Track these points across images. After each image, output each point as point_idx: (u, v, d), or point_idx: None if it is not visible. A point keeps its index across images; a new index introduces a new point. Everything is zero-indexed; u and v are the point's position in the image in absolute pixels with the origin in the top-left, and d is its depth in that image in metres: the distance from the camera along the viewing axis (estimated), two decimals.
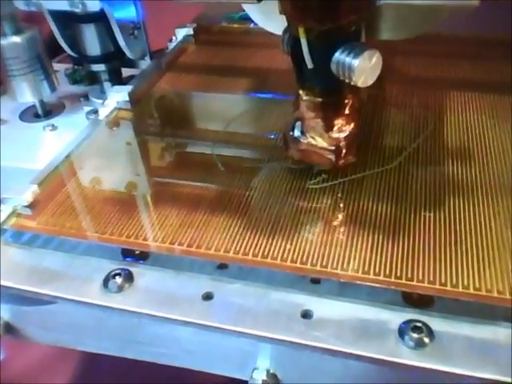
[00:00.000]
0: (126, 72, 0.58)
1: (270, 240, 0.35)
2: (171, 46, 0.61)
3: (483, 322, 0.30)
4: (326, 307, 0.32)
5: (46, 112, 0.54)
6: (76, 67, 0.60)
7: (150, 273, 0.35)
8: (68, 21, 0.53)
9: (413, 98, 0.50)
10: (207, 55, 0.61)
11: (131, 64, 0.59)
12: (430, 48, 0.55)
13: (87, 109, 0.52)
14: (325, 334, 0.30)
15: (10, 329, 0.39)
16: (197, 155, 0.46)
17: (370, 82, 0.34)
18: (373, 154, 0.42)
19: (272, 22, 0.43)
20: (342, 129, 0.38)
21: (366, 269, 0.32)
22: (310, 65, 0.35)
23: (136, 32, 0.54)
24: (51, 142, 0.50)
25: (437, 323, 0.30)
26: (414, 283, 0.31)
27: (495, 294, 0.30)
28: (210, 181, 0.41)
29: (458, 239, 0.34)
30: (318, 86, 0.37)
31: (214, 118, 0.51)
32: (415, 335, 0.29)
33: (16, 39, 0.49)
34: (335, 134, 0.38)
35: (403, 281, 0.31)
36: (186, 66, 0.59)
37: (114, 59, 0.55)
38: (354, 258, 0.33)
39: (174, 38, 0.62)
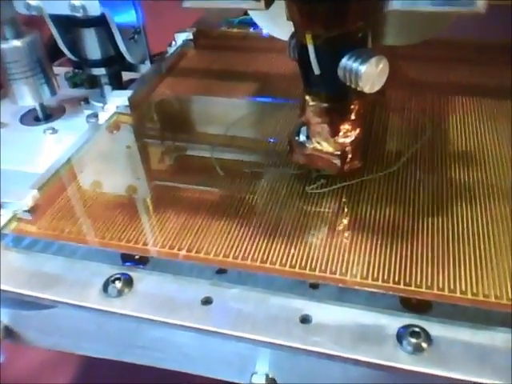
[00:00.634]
0: (126, 76, 0.59)
1: (269, 245, 0.35)
2: (171, 50, 0.61)
3: (481, 327, 0.30)
4: (324, 312, 0.32)
5: (46, 115, 0.54)
6: (76, 71, 0.60)
7: (149, 277, 0.35)
8: (69, 25, 0.53)
9: (413, 102, 0.50)
10: (207, 60, 0.61)
11: (131, 68, 0.59)
12: (429, 52, 0.55)
13: (87, 112, 0.52)
14: (323, 338, 0.30)
15: (9, 333, 0.39)
16: (196, 159, 0.47)
17: (377, 87, 0.34)
18: (371, 159, 0.42)
19: (278, 27, 0.43)
20: (348, 134, 0.38)
21: (365, 274, 0.32)
22: (316, 71, 0.36)
23: (136, 36, 0.54)
24: (51, 146, 0.51)
25: (435, 328, 0.30)
26: (412, 288, 0.31)
27: (493, 299, 0.30)
28: (209, 185, 0.42)
29: (456, 244, 0.34)
30: (324, 92, 0.37)
31: (214, 122, 0.51)
32: (413, 340, 0.30)
33: (17, 43, 0.49)
34: (341, 139, 0.38)
35: (401, 286, 0.32)
36: (185, 70, 0.59)
37: (115, 63, 0.55)
38: (353, 263, 0.33)
39: (173, 42, 0.62)
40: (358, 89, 0.34)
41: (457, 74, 0.54)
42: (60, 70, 0.61)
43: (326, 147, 0.38)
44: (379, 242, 0.35)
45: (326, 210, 0.38)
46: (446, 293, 0.31)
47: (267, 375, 0.33)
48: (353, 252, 0.34)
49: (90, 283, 0.35)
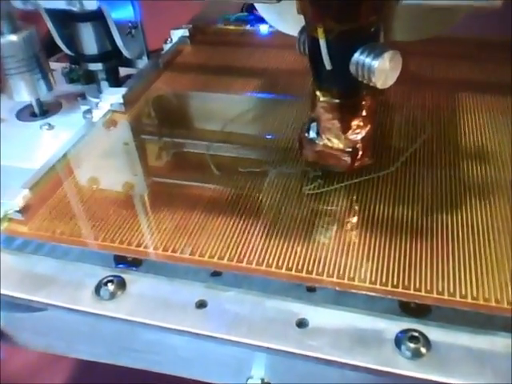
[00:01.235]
0: (123, 71, 0.58)
1: (266, 246, 0.35)
2: (166, 47, 0.60)
3: (481, 332, 0.30)
4: (321, 316, 0.31)
5: (42, 111, 0.54)
6: (73, 66, 0.59)
7: (142, 280, 0.34)
8: (65, 19, 0.53)
9: (412, 99, 0.49)
10: (203, 56, 0.60)
11: (129, 63, 0.59)
12: (433, 49, 0.55)
13: (84, 108, 0.51)
14: (320, 343, 0.30)
15: (2, 335, 0.39)
16: (192, 157, 0.46)
17: (390, 83, 0.34)
18: None
19: (286, 22, 0.42)
20: (359, 130, 0.37)
21: (363, 277, 0.32)
22: (328, 66, 0.35)
23: (133, 31, 0.54)
24: (48, 141, 0.50)
25: (434, 332, 0.30)
26: (411, 292, 0.31)
27: (493, 304, 0.30)
28: (205, 184, 0.41)
29: (456, 247, 0.33)
30: (335, 88, 0.37)
31: (211, 119, 0.50)
32: (412, 345, 0.29)
33: (13, 38, 0.48)
34: (352, 136, 0.37)
35: (400, 289, 0.31)
36: (181, 67, 0.58)
37: (112, 58, 0.55)
38: (350, 266, 0.33)
39: (169, 39, 0.62)
40: (371, 84, 0.34)
41: (459, 70, 0.53)
42: (57, 66, 0.60)
43: (337, 144, 0.37)
44: (377, 245, 0.34)
45: (324, 211, 0.37)
46: (446, 297, 0.30)
47: (263, 379, 0.33)
48: (351, 254, 0.33)
49: (82, 285, 0.34)
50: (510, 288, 0.30)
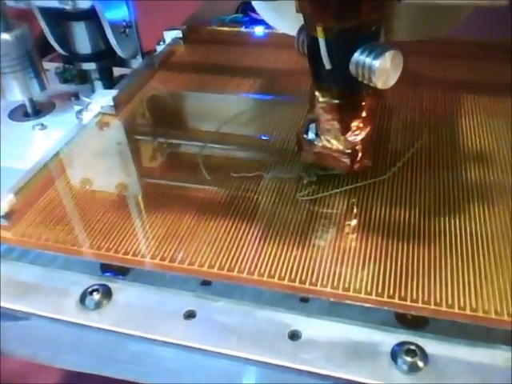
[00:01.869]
0: (117, 71, 0.58)
1: (258, 254, 0.33)
2: (159, 48, 0.59)
3: (480, 345, 0.29)
4: (315, 327, 0.30)
5: (35, 111, 0.53)
6: (66, 66, 0.59)
7: (129, 289, 0.33)
8: (58, 18, 0.52)
9: (410, 100, 0.48)
10: (196, 58, 0.59)
11: (123, 63, 0.58)
12: (431, 49, 0.54)
13: (77, 108, 0.50)
14: (313, 356, 0.29)
15: None
16: (183, 160, 0.45)
17: (391, 83, 0.33)
18: None
19: (285, 21, 0.42)
20: (358, 132, 0.36)
21: (358, 287, 0.31)
22: (327, 65, 0.34)
23: (127, 31, 0.53)
24: (40, 142, 0.50)
25: (431, 345, 0.29)
26: (408, 303, 0.30)
27: (493, 316, 0.29)
28: (196, 188, 0.40)
29: (454, 256, 0.32)
30: (335, 88, 0.36)
31: (204, 119, 0.49)
32: (409, 359, 0.28)
33: (5, 36, 0.48)
34: (351, 137, 0.36)
35: (396, 300, 0.30)
36: (174, 68, 0.57)
37: (105, 58, 0.54)
38: (345, 275, 0.31)
39: (162, 40, 0.61)
40: (371, 84, 0.33)
41: (459, 71, 0.52)
42: (50, 66, 0.60)
43: (336, 145, 0.36)
44: (373, 253, 0.33)
45: (318, 218, 0.36)
46: (444, 308, 0.29)
47: None
48: (345, 263, 0.32)
49: (66, 294, 0.33)
50: (510, 299, 0.29)
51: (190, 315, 0.31)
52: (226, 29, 0.63)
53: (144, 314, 0.31)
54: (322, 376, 0.28)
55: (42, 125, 0.51)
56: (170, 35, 0.60)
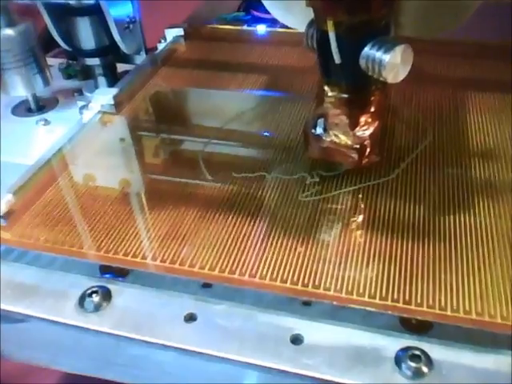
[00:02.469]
0: (120, 67, 0.57)
1: (259, 257, 0.33)
2: (160, 46, 0.59)
3: (486, 350, 0.28)
4: (317, 332, 0.30)
5: (39, 106, 0.53)
6: (70, 62, 0.59)
7: (129, 291, 0.33)
8: (62, 13, 0.52)
9: (414, 99, 0.48)
10: (198, 55, 0.59)
11: (126, 59, 0.58)
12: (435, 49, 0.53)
13: (81, 104, 0.50)
14: (316, 361, 0.28)
15: None
16: (187, 158, 0.44)
17: (401, 77, 0.33)
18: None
19: (293, 16, 0.42)
20: (367, 127, 0.36)
21: (361, 291, 0.30)
22: (337, 60, 0.34)
23: (131, 26, 0.53)
24: (44, 137, 0.49)
25: (436, 350, 0.28)
26: (412, 307, 0.29)
27: (498, 320, 0.28)
28: (197, 188, 0.39)
29: (460, 259, 0.32)
30: (344, 82, 0.36)
31: (207, 116, 0.49)
32: (413, 364, 0.27)
33: (9, 32, 0.47)
34: (360, 132, 0.36)
35: (400, 304, 0.29)
36: (177, 65, 0.57)
37: (109, 53, 0.54)
38: (349, 279, 0.31)
39: (163, 38, 0.60)
40: (381, 79, 0.33)
41: (463, 70, 0.52)
42: (54, 61, 0.59)
43: (344, 140, 0.36)
44: (377, 256, 0.32)
45: (321, 219, 0.36)
46: (449, 312, 0.29)
47: None
48: (348, 267, 0.32)
49: (65, 296, 0.32)
50: None
51: (190, 318, 0.31)
52: (227, 27, 0.63)
53: (144, 316, 0.31)
54: (324, 381, 0.28)
55: (46, 120, 0.51)
56: (171, 33, 0.60)
